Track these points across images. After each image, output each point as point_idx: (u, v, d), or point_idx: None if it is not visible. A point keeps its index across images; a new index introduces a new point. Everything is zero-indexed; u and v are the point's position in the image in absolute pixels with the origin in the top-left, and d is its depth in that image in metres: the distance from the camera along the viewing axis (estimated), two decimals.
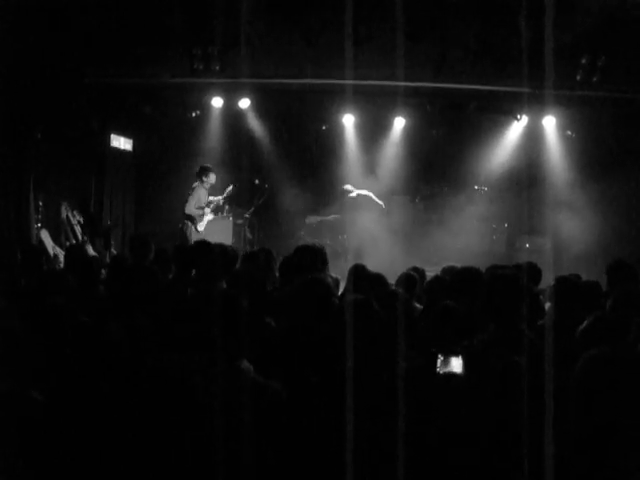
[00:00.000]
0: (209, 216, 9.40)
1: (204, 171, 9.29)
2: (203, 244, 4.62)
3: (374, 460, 2.29)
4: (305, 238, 9.72)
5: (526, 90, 8.53)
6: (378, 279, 4.14)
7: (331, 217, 10.41)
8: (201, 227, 9.34)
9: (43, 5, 7.47)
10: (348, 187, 10.30)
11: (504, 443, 2.33)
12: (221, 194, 9.65)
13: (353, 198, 10.23)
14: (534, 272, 5.30)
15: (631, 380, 2.14)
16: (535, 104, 9.56)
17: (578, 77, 8.43)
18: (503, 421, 2.38)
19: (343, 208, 10.29)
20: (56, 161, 9.23)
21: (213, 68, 8.33)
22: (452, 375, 2.51)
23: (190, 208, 9.23)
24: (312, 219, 10.47)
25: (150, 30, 8.18)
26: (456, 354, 2.54)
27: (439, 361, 2.53)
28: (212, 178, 9.33)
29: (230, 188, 9.72)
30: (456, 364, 2.52)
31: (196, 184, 9.36)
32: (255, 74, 8.60)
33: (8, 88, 7.54)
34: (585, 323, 3.01)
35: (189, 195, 9.33)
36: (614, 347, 2.34)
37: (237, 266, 4.82)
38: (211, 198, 9.50)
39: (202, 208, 9.29)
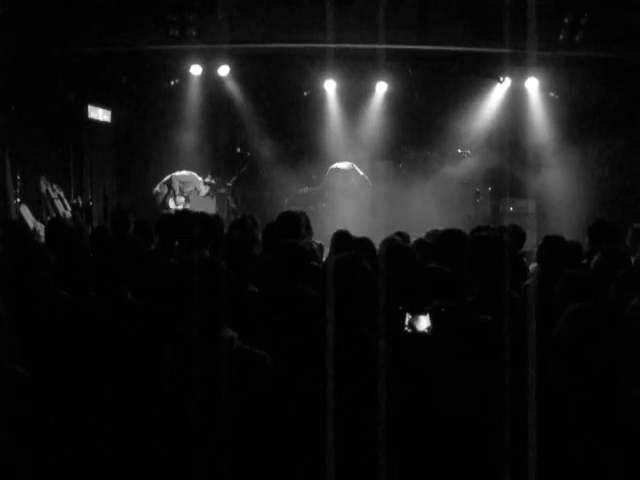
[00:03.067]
0: (181, 206, 9.71)
1: (210, 185, 10.05)
2: (184, 214, 4.58)
3: (357, 422, 2.29)
4: (289, 206, 9.67)
5: (508, 51, 8.45)
6: (363, 242, 4.12)
7: (319, 187, 10.37)
8: (172, 205, 9.58)
9: None
10: (333, 167, 10.29)
11: (476, 401, 2.35)
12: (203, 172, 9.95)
13: (336, 168, 10.21)
14: (517, 234, 5.32)
15: (612, 333, 2.15)
16: (518, 66, 9.50)
17: (561, 37, 8.36)
18: (473, 379, 2.39)
19: (327, 175, 10.25)
20: (33, 135, 9.05)
21: (189, 34, 8.15)
22: (419, 334, 2.52)
23: (177, 179, 9.49)
24: (304, 190, 10.43)
25: None
26: (424, 313, 2.55)
27: (407, 320, 2.53)
28: (204, 192, 9.98)
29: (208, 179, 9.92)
30: (423, 323, 2.53)
31: (199, 179, 9.97)
32: (233, 40, 8.42)
33: None
34: (559, 282, 3.04)
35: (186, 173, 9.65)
36: (595, 302, 2.35)
37: (223, 234, 4.80)
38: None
39: (181, 192, 9.54)
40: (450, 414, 2.33)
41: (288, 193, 10.43)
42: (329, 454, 2.11)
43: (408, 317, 2.52)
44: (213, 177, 10.12)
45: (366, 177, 10.25)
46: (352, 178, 10.18)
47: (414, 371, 2.41)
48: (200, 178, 10.11)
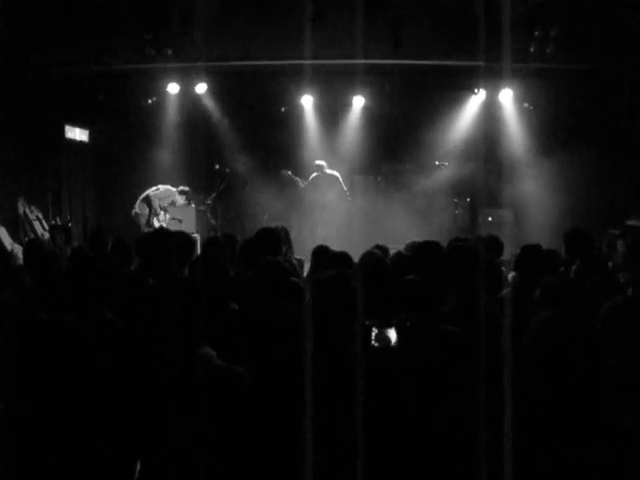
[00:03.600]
0: (165, 222, 9.69)
1: (185, 193, 10.05)
2: (162, 232, 4.57)
3: (336, 438, 2.30)
4: (269, 221, 9.67)
5: (482, 64, 8.58)
6: (342, 257, 4.14)
7: (299, 180, 10.33)
8: (156, 224, 9.57)
9: None
10: (319, 162, 10.25)
11: (446, 410, 2.37)
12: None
13: (320, 176, 10.20)
14: (495, 244, 5.37)
15: (583, 337, 2.19)
16: (492, 78, 9.64)
17: (532, 49, 8.51)
18: (441, 390, 2.41)
19: (310, 183, 10.24)
20: (11, 156, 8.97)
21: (165, 53, 8.18)
22: (386, 348, 2.54)
23: (156, 198, 9.48)
24: (285, 173, 10.37)
25: (100, 16, 7.98)
26: (389, 326, 2.57)
27: (373, 334, 2.55)
28: (181, 202, 10.03)
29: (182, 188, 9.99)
30: (390, 336, 2.55)
31: (173, 189, 9.93)
32: (210, 57, 8.47)
33: None
34: (538, 290, 3.08)
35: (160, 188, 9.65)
36: (566, 308, 2.39)
37: (197, 252, 4.79)
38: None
39: (161, 208, 9.54)
40: (423, 424, 2.35)
41: (267, 209, 10.44)
42: (308, 467, 2.12)
43: (374, 331, 2.55)
44: (184, 186, 10.15)
45: (347, 191, 10.30)
46: (335, 186, 10.20)
47: (380, 384, 2.42)
48: (174, 189, 10.09)
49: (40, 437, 2.55)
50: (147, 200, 9.89)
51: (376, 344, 2.53)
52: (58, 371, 2.84)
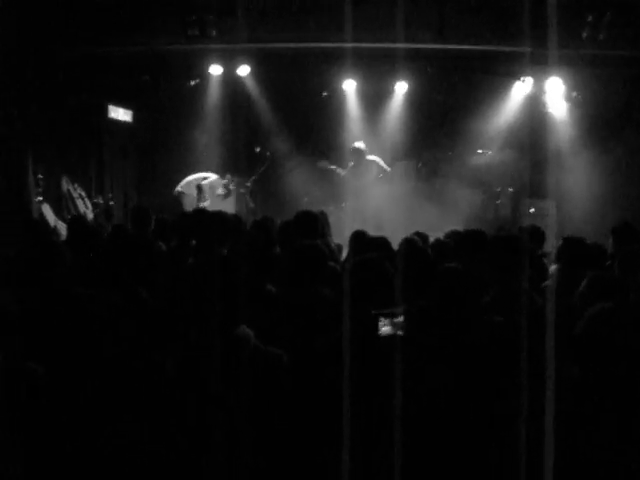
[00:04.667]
0: (207, 202, 9.78)
1: (226, 187, 10.19)
2: (201, 213, 4.59)
3: (374, 422, 2.27)
4: (308, 205, 9.64)
5: (529, 50, 8.34)
6: (381, 243, 4.10)
7: (338, 169, 10.22)
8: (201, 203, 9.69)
9: None
10: (358, 145, 10.10)
11: (488, 404, 2.31)
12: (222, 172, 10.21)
13: (360, 161, 10.06)
14: (538, 235, 5.27)
15: (635, 334, 2.11)
16: (539, 64, 9.37)
17: (584, 35, 8.24)
18: (482, 383, 2.36)
19: (350, 169, 10.13)
20: (55, 135, 9.15)
21: (209, 34, 8.19)
22: (392, 336, 2.48)
23: (207, 185, 9.62)
24: (323, 163, 10.30)
25: None
26: (397, 315, 2.52)
27: (380, 323, 2.51)
28: (221, 192, 10.14)
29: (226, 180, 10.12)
30: (396, 325, 2.50)
31: (221, 181, 10.10)
32: (253, 40, 8.44)
33: (0, 63, 7.43)
34: (584, 282, 2.99)
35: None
36: (618, 303, 2.30)
37: (241, 233, 4.80)
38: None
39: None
40: (464, 416, 2.30)
41: (307, 193, 10.41)
42: (346, 452, 2.10)
43: (381, 320, 2.50)
44: (232, 178, 10.22)
45: (388, 168, 10.13)
46: (374, 171, 10.09)
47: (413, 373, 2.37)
48: (221, 180, 10.22)
49: (68, 408, 2.57)
50: (200, 187, 10.04)
51: (383, 333, 2.48)
52: (88, 345, 2.86)
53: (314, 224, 4.42)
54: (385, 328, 2.49)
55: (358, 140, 10.22)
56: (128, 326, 2.78)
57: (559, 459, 1.97)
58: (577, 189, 9.87)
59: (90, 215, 9.33)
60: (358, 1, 7.78)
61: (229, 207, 9.75)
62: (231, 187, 10.21)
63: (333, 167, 10.16)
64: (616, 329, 2.13)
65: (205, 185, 10.05)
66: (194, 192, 10.07)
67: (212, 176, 10.23)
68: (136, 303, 3.03)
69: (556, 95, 10.14)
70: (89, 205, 9.51)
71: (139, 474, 2.36)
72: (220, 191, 10.19)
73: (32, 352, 2.55)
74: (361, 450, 2.20)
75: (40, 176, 8.80)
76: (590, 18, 8.08)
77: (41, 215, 8.47)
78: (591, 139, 9.90)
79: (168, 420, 2.38)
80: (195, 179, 10.14)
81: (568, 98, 10.15)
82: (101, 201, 9.74)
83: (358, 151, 9.98)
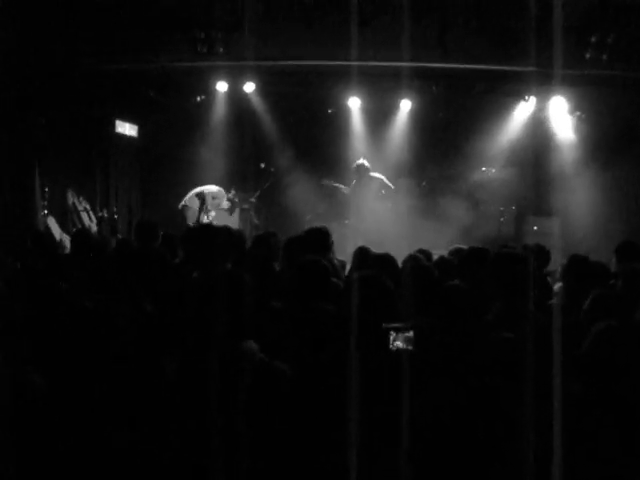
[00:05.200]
0: (212, 213, 9.76)
1: (232, 202, 10.30)
2: (208, 227, 4.61)
3: (379, 441, 2.27)
4: (311, 222, 9.67)
5: (533, 69, 8.40)
6: (385, 259, 4.11)
7: (342, 187, 10.27)
8: (205, 220, 9.69)
9: None
10: (365, 163, 10.15)
11: (493, 419, 2.31)
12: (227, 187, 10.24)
13: (364, 179, 10.10)
14: (542, 254, 5.28)
15: (637, 352, 2.11)
16: (543, 84, 9.42)
17: (587, 55, 8.30)
18: (487, 399, 2.36)
19: (353, 186, 10.17)
20: (61, 148, 9.22)
21: (217, 51, 8.27)
22: (403, 351, 2.49)
23: (210, 196, 9.61)
24: (326, 182, 10.35)
25: (152, 14, 8.13)
26: (407, 330, 2.53)
27: (391, 337, 2.52)
28: (225, 206, 10.16)
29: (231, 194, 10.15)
30: (407, 340, 2.51)
31: (225, 195, 10.09)
32: (259, 57, 8.52)
33: (8, 76, 7.51)
34: (588, 301, 3.00)
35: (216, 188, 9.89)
36: (623, 321, 2.31)
37: (245, 248, 4.82)
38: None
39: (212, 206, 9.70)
40: (468, 430, 2.30)
41: (311, 209, 10.45)
42: (353, 466, 2.09)
43: (392, 335, 2.51)
44: (236, 193, 10.24)
45: (392, 186, 10.17)
46: (378, 188, 10.11)
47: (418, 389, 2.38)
48: (226, 194, 10.25)
49: (70, 419, 2.57)
50: (201, 196, 9.99)
51: (394, 348, 2.49)
52: (93, 358, 2.87)
53: (324, 241, 4.44)
54: (397, 342, 2.51)
55: (362, 157, 10.28)
56: (132, 337, 2.79)
57: (563, 475, 1.96)
58: (581, 207, 9.89)
59: (94, 228, 9.36)
60: (364, 20, 7.86)
61: (233, 222, 9.78)
62: (236, 200, 10.23)
63: (337, 185, 10.21)
64: (619, 347, 2.13)
65: (207, 194, 10.00)
66: (197, 204, 10.09)
67: (214, 187, 10.23)
68: (141, 315, 3.04)
69: (560, 114, 10.19)
70: (94, 219, 9.55)
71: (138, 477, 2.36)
72: (225, 205, 10.20)
73: (36, 361, 2.56)
74: (367, 463, 2.20)
75: (46, 189, 8.85)
76: (594, 39, 8.14)
77: (47, 228, 8.51)
78: (595, 158, 9.93)
79: (170, 431, 2.39)
80: (198, 191, 10.16)
81: (572, 117, 10.20)
82: (106, 215, 9.78)
83: (362, 168, 10.02)
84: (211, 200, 10.03)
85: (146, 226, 5.53)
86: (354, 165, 10.09)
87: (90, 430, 2.45)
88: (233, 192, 10.28)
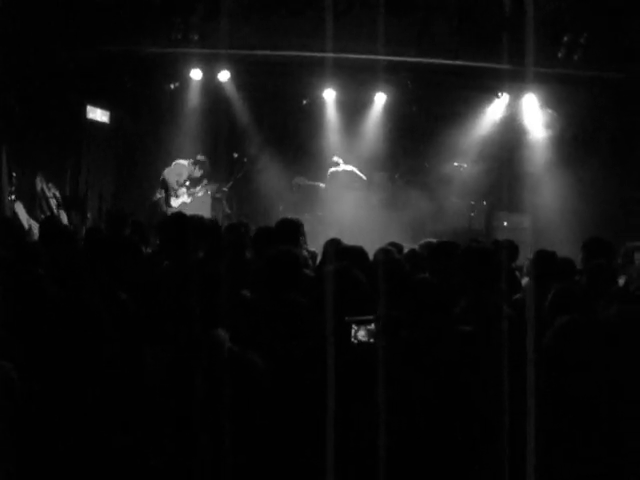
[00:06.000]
0: (185, 197, 9.51)
1: (199, 163, 9.75)
2: (179, 216, 4.58)
3: (351, 431, 2.30)
4: (284, 213, 9.68)
5: (507, 67, 8.52)
6: (356, 251, 4.13)
7: (317, 184, 10.35)
8: (175, 203, 9.48)
9: None
10: (336, 159, 10.24)
11: (461, 412, 2.36)
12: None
13: (337, 171, 10.22)
14: (511, 249, 5.34)
15: (603, 344, 2.17)
16: (516, 81, 9.56)
17: (560, 55, 8.44)
18: (455, 391, 2.40)
19: (328, 179, 10.25)
20: (31, 133, 9.04)
21: (192, 38, 8.20)
22: (364, 343, 2.52)
23: (170, 174, 9.37)
24: (300, 180, 10.40)
25: None
26: (369, 323, 2.56)
27: (353, 330, 2.54)
28: (198, 173, 9.77)
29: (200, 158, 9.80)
30: (369, 333, 2.54)
31: (185, 163, 9.61)
32: (234, 45, 8.47)
33: None
34: (550, 295, 3.06)
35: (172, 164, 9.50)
36: (583, 316, 2.37)
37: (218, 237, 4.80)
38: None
39: (178, 184, 9.44)
40: (439, 424, 2.34)
41: (283, 200, 10.44)
42: (328, 455, 2.12)
43: (354, 328, 2.54)
44: (200, 154, 9.88)
45: (364, 177, 10.28)
46: (352, 181, 10.21)
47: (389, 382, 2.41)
48: (186, 162, 9.82)
49: (42, 406, 2.55)
50: (163, 182, 9.76)
51: (356, 341, 2.52)
52: (66, 349, 2.85)
53: (294, 232, 4.45)
54: (358, 335, 2.53)
55: (337, 149, 10.37)
56: (108, 326, 2.77)
57: (537, 469, 2.02)
58: (551, 204, 10.05)
59: (63, 215, 9.21)
60: (340, 12, 7.87)
61: (205, 212, 9.70)
62: (201, 159, 9.81)
63: (311, 183, 10.29)
64: (580, 341, 2.19)
65: (166, 174, 9.60)
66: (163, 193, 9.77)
67: (172, 166, 9.80)
68: (115, 305, 3.02)
69: (532, 111, 10.35)
70: (63, 205, 9.40)
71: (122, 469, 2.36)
72: (198, 173, 9.83)
73: (12, 355, 2.53)
74: (341, 454, 2.23)
75: (14, 174, 8.69)
76: (566, 39, 8.28)
77: (14, 214, 8.35)
78: (565, 156, 10.11)
79: (143, 418, 2.39)
80: (161, 179, 9.74)
81: (543, 114, 10.36)
82: (75, 201, 9.63)
83: (336, 163, 10.16)
84: (174, 178, 9.70)
85: (116, 215, 5.50)
86: (331, 160, 10.21)
87: (70, 423, 2.43)
88: (200, 157, 9.93)
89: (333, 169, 10.28)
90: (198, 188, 9.87)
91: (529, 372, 2.23)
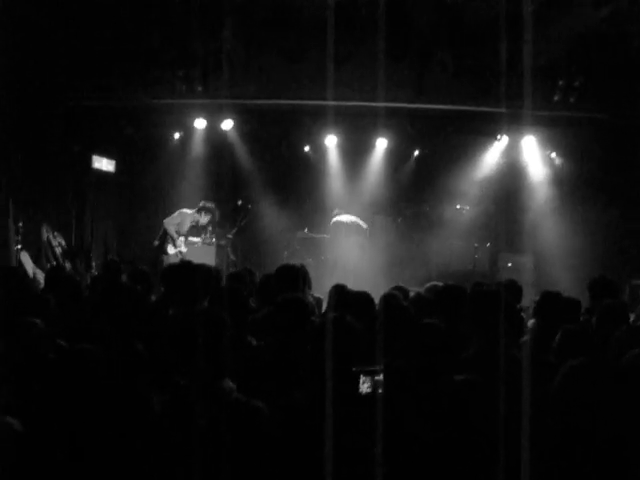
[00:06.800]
0: (182, 247, 9.52)
1: (206, 210, 9.62)
2: (186, 265, 4.60)
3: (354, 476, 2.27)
4: (288, 259, 9.70)
5: (505, 110, 8.66)
6: (362, 297, 4.12)
7: (320, 236, 10.42)
8: (171, 250, 9.48)
9: (24, 27, 7.47)
10: (337, 211, 10.38)
11: (461, 461, 2.32)
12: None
13: (340, 221, 10.27)
14: (515, 289, 5.32)
15: (611, 390, 2.15)
16: (514, 124, 9.71)
17: (556, 97, 8.60)
18: (456, 441, 2.37)
19: (330, 230, 10.31)
20: (37, 183, 9.14)
21: (196, 89, 8.38)
22: (373, 394, 2.48)
23: (169, 224, 9.40)
24: (302, 234, 10.47)
25: (132, 52, 8.23)
26: (377, 373, 2.52)
27: (361, 381, 2.50)
28: (204, 220, 9.66)
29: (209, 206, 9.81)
30: (377, 383, 2.50)
31: (189, 212, 9.59)
32: (237, 95, 8.65)
33: None
34: (558, 337, 3.03)
35: (176, 213, 9.56)
36: (593, 358, 2.35)
37: (221, 286, 4.80)
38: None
39: (179, 234, 9.47)
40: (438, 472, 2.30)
41: (287, 246, 10.48)
42: None
43: (362, 378, 2.50)
44: (207, 201, 9.78)
45: (366, 227, 10.32)
46: (355, 230, 10.24)
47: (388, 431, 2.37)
48: (190, 210, 9.75)
49: (48, 461, 2.52)
50: (162, 231, 9.76)
51: (363, 392, 2.47)
52: (73, 401, 2.82)
53: (295, 279, 4.45)
54: (366, 386, 2.49)
55: (339, 195, 10.49)
56: (123, 376, 2.75)
57: None
58: (554, 245, 10.06)
59: (68, 265, 9.24)
60: (341, 60, 8.04)
61: (210, 259, 9.71)
62: (208, 206, 9.69)
63: (314, 236, 10.37)
64: (591, 385, 2.16)
65: (165, 223, 9.56)
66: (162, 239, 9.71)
67: (173, 214, 9.73)
68: (133, 356, 2.99)
69: (531, 153, 10.47)
70: (68, 254, 9.44)
71: None
72: (204, 220, 9.67)
73: (15, 407, 2.51)
74: None
75: (20, 224, 8.75)
76: (561, 82, 8.46)
77: (20, 263, 8.38)
78: (567, 196, 10.18)
79: (150, 469, 2.35)
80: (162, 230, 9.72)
81: (543, 156, 10.49)
82: (81, 250, 9.67)
83: (337, 215, 10.26)
84: (173, 227, 9.67)
85: (110, 261, 5.54)
86: (333, 212, 10.29)
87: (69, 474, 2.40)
88: (208, 203, 9.87)
89: (335, 219, 10.33)
90: (198, 239, 9.86)
91: (536, 418, 2.20)
